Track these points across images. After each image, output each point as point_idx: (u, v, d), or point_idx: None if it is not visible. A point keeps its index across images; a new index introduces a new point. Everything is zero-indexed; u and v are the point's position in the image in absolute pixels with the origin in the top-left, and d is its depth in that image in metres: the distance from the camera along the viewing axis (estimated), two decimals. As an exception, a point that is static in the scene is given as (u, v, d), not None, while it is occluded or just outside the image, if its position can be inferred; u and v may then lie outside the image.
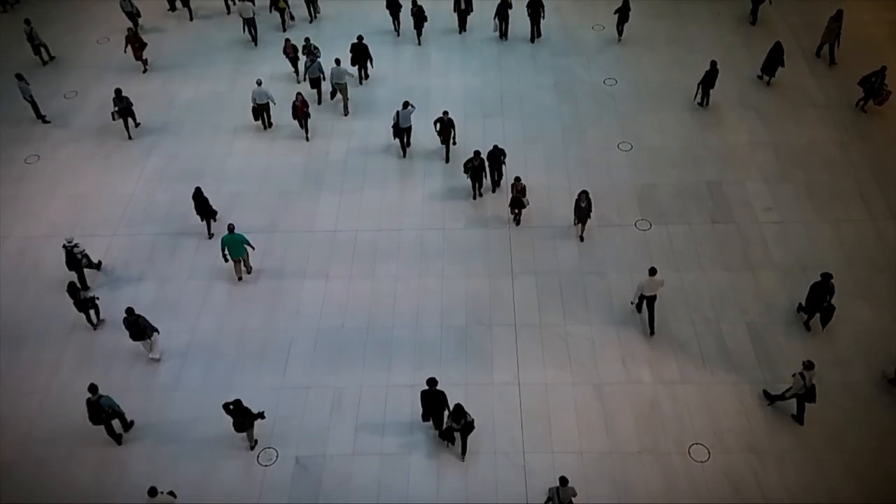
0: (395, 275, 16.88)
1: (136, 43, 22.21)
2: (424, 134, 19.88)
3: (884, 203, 17.97)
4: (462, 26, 23.61)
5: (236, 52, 23.46)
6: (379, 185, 18.96)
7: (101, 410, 13.47)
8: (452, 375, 14.81)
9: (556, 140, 19.92)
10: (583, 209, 16.71)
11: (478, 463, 13.69)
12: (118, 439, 14.05)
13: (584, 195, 16.63)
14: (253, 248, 16.57)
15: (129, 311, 14.65)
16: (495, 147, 17.89)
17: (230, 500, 13.32)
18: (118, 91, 19.89)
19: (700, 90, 20.47)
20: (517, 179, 17.04)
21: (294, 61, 21.93)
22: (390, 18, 23.76)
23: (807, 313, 15.41)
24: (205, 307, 16.40)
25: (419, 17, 22.89)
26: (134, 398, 14.73)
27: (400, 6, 23.44)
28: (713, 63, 20.02)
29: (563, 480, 12.25)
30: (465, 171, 17.84)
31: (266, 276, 16.95)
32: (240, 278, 16.81)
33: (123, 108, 19.94)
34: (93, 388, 13.48)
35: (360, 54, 21.50)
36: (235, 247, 16.20)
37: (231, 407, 13.23)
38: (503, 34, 23.40)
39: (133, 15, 23.69)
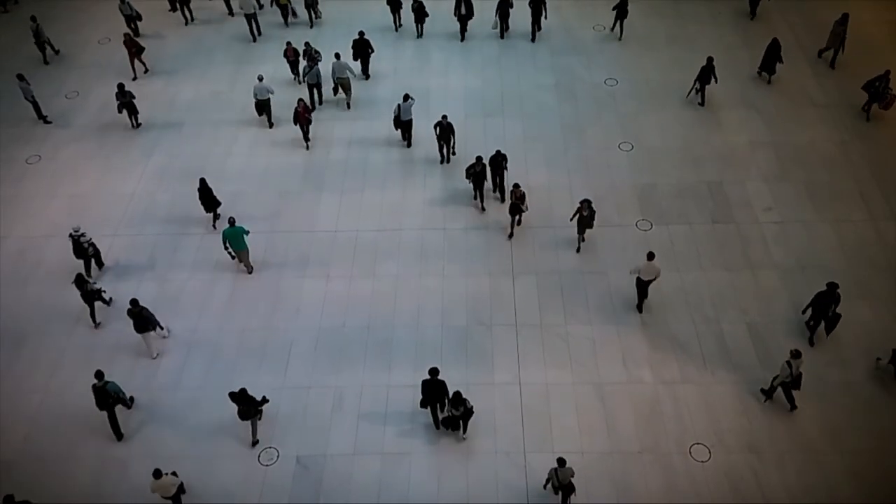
0: (395, 275, 16.89)
1: (132, 48, 21.96)
2: (425, 134, 19.89)
3: (884, 203, 17.97)
4: (463, 32, 23.40)
5: (236, 52, 23.46)
6: (379, 184, 18.96)
7: (108, 395, 13.67)
8: (453, 375, 14.80)
9: (556, 140, 19.92)
10: (585, 218, 16.47)
11: (479, 462, 13.71)
12: (119, 433, 14.09)
13: (586, 204, 16.40)
14: (247, 232, 16.32)
15: (134, 302, 14.78)
16: (497, 152, 17.75)
17: (231, 500, 13.33)
18: (120, 86, 19.94)
19: (695, 86, 20.45)
20: (516, 186, 16.94)
21: (294, 65, 21.90)
22: (391, 16, 23.76)
23: (810, 329, 15.13)
24: (205, 307, 16.41)
25: (420, 12, 22.93)
26: (134, 398, 14.78)
27: (401, 4, 23.45)
28: (709, 59, 20.00)
29: (562, 461, 12.43)
30: (467, 177, 17.79)
31: (267, 276, 16.96)
32: (249, 271, 16.88)
33: (126, 102, 20.07)
34: (99, 375, 13.71)
35: (362, 49, 21.52)
36: (236, 240, 16.24)
37: (236, 394, 13.41)
38: (503, 33, 23.40)
39: (132, 18, 23.57)
